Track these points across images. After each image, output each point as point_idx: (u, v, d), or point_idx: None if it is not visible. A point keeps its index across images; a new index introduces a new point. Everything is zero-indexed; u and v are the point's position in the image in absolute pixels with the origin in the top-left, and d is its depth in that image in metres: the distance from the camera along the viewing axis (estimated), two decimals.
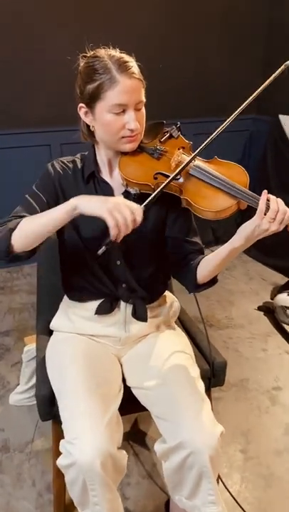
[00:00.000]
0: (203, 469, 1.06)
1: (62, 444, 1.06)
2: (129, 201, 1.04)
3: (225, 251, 1.12)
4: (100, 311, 1.29)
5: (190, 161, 1.13)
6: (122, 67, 1.09)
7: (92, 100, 1.13)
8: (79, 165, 1.27)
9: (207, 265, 1.19)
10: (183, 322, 1.58)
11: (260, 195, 1.07)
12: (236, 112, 1.11)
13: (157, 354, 1.28)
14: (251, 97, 1.11)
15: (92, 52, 1.16)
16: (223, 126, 1.11)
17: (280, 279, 3.00)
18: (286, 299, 2.63)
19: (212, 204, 1.12)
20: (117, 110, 1.11)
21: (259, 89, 1.11)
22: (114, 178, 1.25)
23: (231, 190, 1.10)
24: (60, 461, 1.07)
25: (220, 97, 3.22)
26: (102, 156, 1.24)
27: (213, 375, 1.40)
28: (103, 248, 1.04)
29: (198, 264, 1.22)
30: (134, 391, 1.27)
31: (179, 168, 1.12)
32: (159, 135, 1.23)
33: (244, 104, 1.11)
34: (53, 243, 1.35)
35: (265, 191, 1.05)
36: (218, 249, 1.16)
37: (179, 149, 1.21)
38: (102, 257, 1.05)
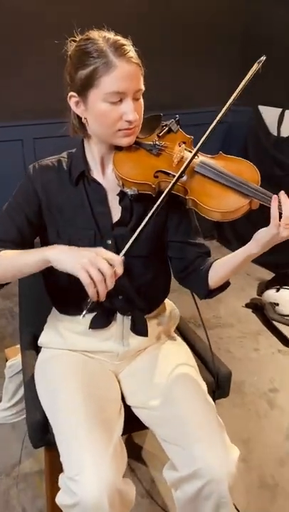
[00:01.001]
0: (221, 500, 0.95)
1: (63, 480, 0.94)
2: (107, 252, 0.92)
3: (240, 258, 1.03)
4: (95, 325, 1.17)
5: (194, 157, 1.01)
6: (119, 50, 0.97)
7: (84, 88, 0.99)
8: (65, 165, 1.13)
9: (219, 271, 1.09)
10: (180, 329, 1.47)
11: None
12: (225, 106, 1.02)
13: (160, 369, 1.16)
14: (233, 96, 1.01)
15: (84, 35, 1.02)
16: (218, 119, 1.02)
17: (266, 274, 2.93)
18: (275, 295, 2.56)
19: (221, 204, 1.00)
20: (113, 99, 0.98)
21: (237, 90, 1.01)
22: (107, 178, 1.13)
23: (242, 188, 0.99)
24: (61, 500, 0.94)
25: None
26: (93, 152, 1.11)
27: (218, 387, 1.30)
28: (84, 312, 0.93)
29: (209, 269, 1.11)
30: (135, 410, 1.16)
31: (184, 165, 1.00)
32: (156, 129, 1.11)
33: (229, 103, 1.01)
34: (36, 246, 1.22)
35: (275, 196, 0.94)
36: (231, 255, 1.06)
37: (179, 144, 1.09)
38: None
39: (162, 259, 1.19)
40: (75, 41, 1.05)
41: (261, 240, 0.97)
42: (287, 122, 2.99)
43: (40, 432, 1.14)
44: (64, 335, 1.20)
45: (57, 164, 1.13)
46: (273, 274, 2.85)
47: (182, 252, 1.16)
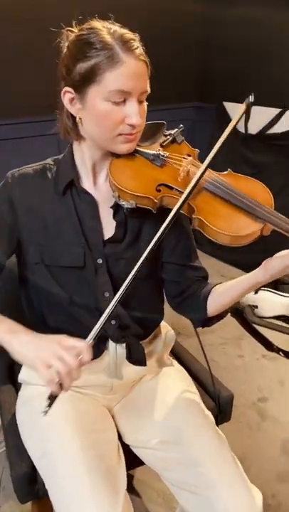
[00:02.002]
0: None
1: None
2: (69, 339, 0.80)
3: (244, 286, 0.94)
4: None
5: (204, 171, 0.89)
6: (127, 44, 0.83)
7: (83, 83, 0.85)
8: (49, 173, 0.98)
9: (220, 298, 0.99)
10: (173, 349, 1.35)
11: None
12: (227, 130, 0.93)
13: (160, 401, 1.04)
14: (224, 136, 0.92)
15: (85, 24, 0.88)
16: (226, 134, 0.92)
17: (240, 275, 2.86)
18: (253, 297, 2.49)
19: (232, 227, 0.89)
20: (116, 98, 0.85)
21: (228, 128, 0.93)
22: (99, 188, 0.99)
23: (257, 212, 0.88)
24: None
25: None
26: (84, 158, 0.96)
27: (220, 411, 1.19)
28: (46, 409, 0.79)
29: (208, 295, 1.00)
30: (136, 450, 1.03)
31: (195, 180, 0.88)
32: (159, 138, 0.98)
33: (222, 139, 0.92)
34: (12, 265, 1.06)
35: None
36: (234, 282, 0.96)
37: (184, 157, 0.97)
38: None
39: (158, 280, 1.07)
40: (71, 31, 0.90)
41: (272, 269, 0.88)
42: (254, 119, 2.92)
43: (28, 485, 0.99)
44: None
45: (40, 172, 0.98)
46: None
47: (179, 275, 1.05)
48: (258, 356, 2.18)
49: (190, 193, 0.88)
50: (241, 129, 2.99)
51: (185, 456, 0.92)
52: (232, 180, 0.94)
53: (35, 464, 0.95)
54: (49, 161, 1.01)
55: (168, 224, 0.85)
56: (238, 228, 0.88)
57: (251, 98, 0.91)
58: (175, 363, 1.20)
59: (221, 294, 0.99)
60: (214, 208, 0.91)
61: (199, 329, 2.55)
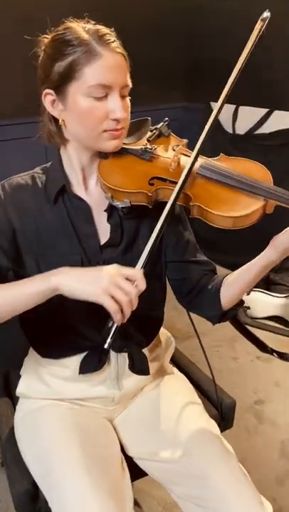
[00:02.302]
0: None
1: None
2: (123, 267, 0.80)
3: (256, 268, 0.91)
4: (86, 369, 0.99)
5: (196, 157, 0.88)
6: (103, 38, 0.82)
7: (63, 82, 0.83)
8: (40, 182, 0.95)
9: (233, 287, 0.97)
10: (173, 356, 1.33)
11: None
12: (224, 93, 0.93)
13: (164, 412, 1.02)
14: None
15: (60, 26, 0.86)
16: (216, 114, 0.91)
17: None
18: (245, 298, 2.48)
19: (233, 208, 0.87)
20: (97, 93, 0.83)
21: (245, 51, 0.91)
22: (90, 192, 0.96)
23: (257, 189, 0.86)
24: None
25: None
26: (73, 162, 0.94)
27: (222, 419, 1.18)
28: (109, 341, 0.79)
29: (220, 287, 0.98)
30: (140, 463, 1.00)
31: (188, 167, 0.86)
32: (145, 134, 0.96)
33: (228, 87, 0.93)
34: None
35: None
36: (244, 267, 0.94)
37: (173, 148, 0.95)
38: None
39: (160, 284, 1.05)
40: (47, 38, 0.88)
41: (282, 245, 0.86)
42: (241, 119, 2.92)
43: (31, 503, 0.96)
44: (49, 382, 1.02)
45: (30, 181, 0.95)
46: None
47: (185, 273, 1.02)
48: (252, 358, 2.18)
49: (185, 180, 0.86)
50: (229, 129, 2.99)
51: (192, 469, 0.90)
52: (226, 163, 0.93)
53: (38, 481, 0.92)
54: (37, 169, 0.98)
55: (167, 214, 0.84)
56: (240, 209, 0.86)
57: (268, 13, 0.88)
58: (175, 370, 1.18)
59: (232, 284, 0.97)
60: (212, 193, 0.89)
61: (191, 331, 2.51)
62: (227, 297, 0.98)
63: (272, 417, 1.81)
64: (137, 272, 0.79)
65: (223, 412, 1.16)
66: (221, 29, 2.94)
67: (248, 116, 2.86)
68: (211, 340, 2.30)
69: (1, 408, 1.16)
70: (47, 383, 1.02)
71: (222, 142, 3.01)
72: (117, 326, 0.79)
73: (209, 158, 0.93)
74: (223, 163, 0.93)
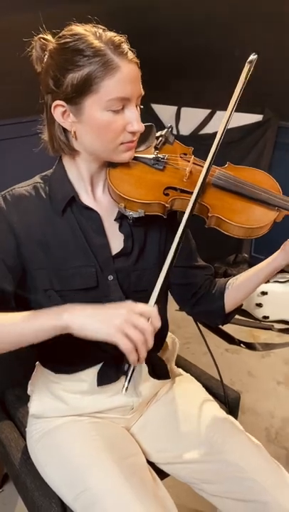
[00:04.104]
0: None
1: None
2: (137, 305, 0.77)
3: (265, 272, 0.95)
4: (104, 381, 0.97)
5: (210, 167, 0.89)
6: (120, 48, 0.80)
7: (78, 94, 0.80)
8: (43, 192, 0.91)
9: (239, 290, 0.99)
10: None
11: None
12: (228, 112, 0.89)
13: (183, 414, 1.02)
14: (232, 105, 0.89)
15: (65, 30, 0.82)
16: (223, 130, 0.90)
17: None
18: None
19: (250, 219, 0.89)
20: (116, 106, 0.81)
21: (233, 98, 0.89)
22: (99, 201, 0.94)
23: (270, 199, 0.90)
24: None
25: None
26: (81, 172, 0.91)
27: (229, 413, 1.20)
28: (126, 384, 0.77)
29: (224, 290, 1.01)
30: (165, 467, 1.00)
31: (202, 178, 0.87)
32: (152, 141, 0.96)
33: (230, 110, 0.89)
34: None
35: None
36: (252, 271, 0.97)
37: (181, 156, 0.95)
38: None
39: (164, 290, 1.05)
40: (45, 39, 0.84)
41: None
42: (184, 120, 2.99)
43: None
44: (65, 399, 0.98)
45: (34, 192, 0.91)
46: None
47: (187, 278, 1.03)
48: (221, 351, 2.24)
49: (200, 191, 0.87)
50: (173, 131, 3.04)
51: (224, 463, 0.92)
52: (236, 172, 0.94)
53: (70, 503, 0.88)
54: (37, 179, 0.94)
55: (184, 227, 0.85)
56: (257, 220, 0.89)
57: (254, 56, 0.86)
58: (182, 371, 1.19)
59: (239, 287, 0.99)
60: (228, 203, 0.91)
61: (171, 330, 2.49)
62: (233, 300, 1.01)
63: (252, 407, 1.88)
64: (151, 309, 0.77)
65: (229, 406, 1.19)
66: (163, 36, 2.99)
67: (191, 118, 2.93)
68: (180, 337, 2.32)
69: (5, 432, 1.10)
70: (63, 400, 0.98)
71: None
72: (133, 368, 0.77)
73: (219, 168, 0.95)
74: (231, 172, 0.94)
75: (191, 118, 2.94)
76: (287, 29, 2.49)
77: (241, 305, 1.05)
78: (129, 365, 0.76)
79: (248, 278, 0.98)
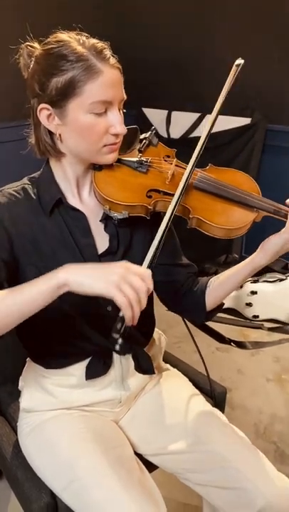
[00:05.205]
0: None
1: None
2: (133, 265, 0.79)
3: (245, 271, 0.97)
4: (92, 375, 1.00)
5: (192, 170, 0.92)
6: (102, 54, 0.84)
7: (62, 98, 0.84)
8: (32, 193, 0.94)
9: (219, 289, 1.02)
10: None
11: None
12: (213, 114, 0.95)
13: (170, 407, 1.06)
14: (217, 107, 0.94)
15: (51, 37, 0.86)
16: (207, 132, 0.96)
17: None
18: None
19: (230, 220, 0.93)
20: (98, 109, 0.84)
21: (219, 99, 0.94)
22: (85, 203, 0.97)
23: (249, 201, 0.93)
24: None
25: None
26: (67, 174, 0.95)
27: (216, 406, 1.24)
28: (120, 341, 0.78)
29: (205, 289, 1.03)
30: (152, 459, 1.04)
31: (184, 180, 0.91)
32: (136, 144, 0.99)
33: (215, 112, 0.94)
34: None
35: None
36: (232, 270, 1.00)
37: (164, 159, 0.99)
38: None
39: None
40: (32, 46, 0.88)
41: (271, 249, 0.93)
42: (175, 124, 3.04)
43: None
44: (54, 392, 1.01)
45: (23, 193, 0.94)
46: None
47: (171, 275, 1.07)
48: (212, 350, 2.28)
49: (182, 193, 0.90)
50: (164, 134, 3.09)
51: (209, 453, 0.95)
52: (217, 175, 0.97)
53: (59, 493, 0.92)
54: (25, 180, 0.97)
55: (165, 228, 0.88)
56: (236, 221, 0.93)
57: (241, 61, 0.91)
58: (169, 366, 1.23)
59: (220, 285, 1.02)
60: (208, 205, 0.94)
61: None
62: (213, 298, 1.04)
63: (241, 403, 1.91)
64: (145, 270, 0.79)
65: (216, 401, 1.22)
66: (152, 39, 3.04)
67: (181, 121, 2.98)
68: (171, 337, 2.36)
69: None
70: (53, 394, 1.01)
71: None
72: (126, 326, 0.78)
73: (201, 170, 0.98)
74: (213, 174, 0.97)
75: (182, 121, 2.99)
76: (275, 33, 2.55)
77: (223, 304, 1.08)
78: (123, 324, 0.78)
79: (228, 277, 1.01)
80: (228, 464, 0.92)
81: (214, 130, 3.18)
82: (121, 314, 0.77)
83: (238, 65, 0.93)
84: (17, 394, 1.16)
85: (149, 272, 0.79)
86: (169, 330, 2.44)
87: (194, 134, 2.96)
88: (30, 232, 0.92)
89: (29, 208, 0.93)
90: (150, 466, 1.03)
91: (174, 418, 1.03)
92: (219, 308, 1.08)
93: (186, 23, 2.88)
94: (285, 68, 2.59)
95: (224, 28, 2.73)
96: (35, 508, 0.93)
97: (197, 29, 2.85)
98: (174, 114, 3.03)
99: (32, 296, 0.78)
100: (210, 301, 1.04)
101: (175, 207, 0.90)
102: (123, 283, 0.75)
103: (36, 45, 0.89)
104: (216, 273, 2.70)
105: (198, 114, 2.91)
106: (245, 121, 2.72)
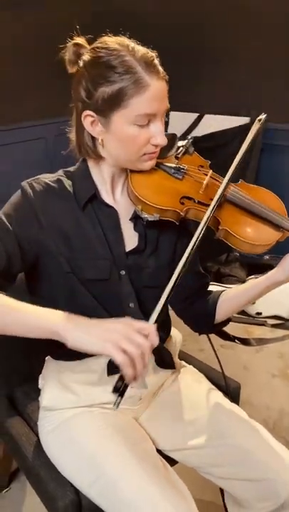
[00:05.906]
0: None
1: None
2: (136, 321, 0.77)
3: (262, 287, 0.99)
4: (114, 370, 1.00)
5: (228, 182, 0.95)
6: (151, 66, 0.84)
7: (107, 108, 0.85)
8: (67, 186, 0.96)
9: (235, 300, 1.05)
10: None
11: None
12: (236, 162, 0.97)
13: (189, 402, 1.07)
14: (235, 162, 0.96)
15: (99, 42, 0.87)
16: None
17: None
18: None
19: (257, 236, 0.95)
20: (142, 121, 0.86)
21: (240, 152, 0.98)
22: (117, 201, 0.99)
23: (278, 221, 0.96)
24: None
25: None
26: (103, 173, 0.97)
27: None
28: (118, 400, 0.75)
29: (217, 300, 1.06)
30: (173, 454, 1.05)
31: (220, 192, 0.93)
32: (173, 150, 1.00)
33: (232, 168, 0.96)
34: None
35: None
36: (248, 285, 1.02)
37: (198, 169, 1.01)
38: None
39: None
40: (79, 45, 0.90)
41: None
42: (174, 125, 3.03)
43: None
44: (76, 390, 1.02)
45: (57, 185, 0.95)
46: None
47: (185, 281, 1.08)
48: (217, 347, 2.28)
49: (216, 205, 0.92)
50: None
51: (231, 447, 0.97)
52: (248, 191, 1.00)
53: (86, 490, 0.92)
54: (60, 172, 0.99)
55: (198, 237, 0.89)
56: (263, 238, 0.95)
57: (264, 116, 0.96)
58: (184, 363, 1.24)
59: (233, 299, 1.05)
60: (238, 219, 0.96)
61: None
62: (224, 311, 1.06)
63: (248, 399, 1.93)
64: (150, 326, 0.77)
65: (232, 396, 1.24)
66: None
67: (180, 122, 2.99)
68: None
69: (16, 427, 1.13)
70: (74, 392, 1.02)
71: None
72: (126, 384, 0.74)
73: (234, 184, 1.00)
74: (244, 189, 1.00)
75: (181, 122, 3.00)
76: (274, 33, 2.57)
77: (229, 319, 1.10)
78: (123, 383, 0.74)
79: (244, 291, 1.02)
80: (251, 457, 0.94)
81: (214, 130, 3.19)
82: (122, 372, 0.74)
83: (260, 120, 0.97)
84: (34, 395, 1.17)
85: (153, 326, 0.76)
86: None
87: (193, 135, 2.97)
88: (62, 224, 0.93)
89: (63, 200, 0.94)
90: (169, 461, 1.04)
91: (194, 413, 1.04)
92: (225, 323, 1.10)
93: (186, 21, 2.88)
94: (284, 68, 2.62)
95: (224, 29, 2.75)
96: (60, 506, 0.94)
97: (196, 28, 2.86)
98: (173, 114, 3.04)
99: (31, 324, 0.80)
100: (220, 313, 1.07)
101: (209, 217, 0.91)
102: (124, 341, 0.72)
103: (83, 42, 0.90)
104: (218, 271, 2.73)
105: (196, 115, 2.93)
106: (244, 120, 2.75)
